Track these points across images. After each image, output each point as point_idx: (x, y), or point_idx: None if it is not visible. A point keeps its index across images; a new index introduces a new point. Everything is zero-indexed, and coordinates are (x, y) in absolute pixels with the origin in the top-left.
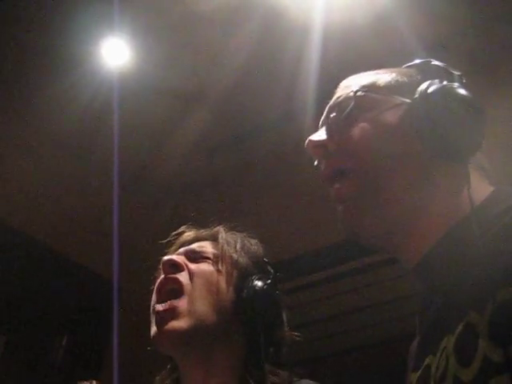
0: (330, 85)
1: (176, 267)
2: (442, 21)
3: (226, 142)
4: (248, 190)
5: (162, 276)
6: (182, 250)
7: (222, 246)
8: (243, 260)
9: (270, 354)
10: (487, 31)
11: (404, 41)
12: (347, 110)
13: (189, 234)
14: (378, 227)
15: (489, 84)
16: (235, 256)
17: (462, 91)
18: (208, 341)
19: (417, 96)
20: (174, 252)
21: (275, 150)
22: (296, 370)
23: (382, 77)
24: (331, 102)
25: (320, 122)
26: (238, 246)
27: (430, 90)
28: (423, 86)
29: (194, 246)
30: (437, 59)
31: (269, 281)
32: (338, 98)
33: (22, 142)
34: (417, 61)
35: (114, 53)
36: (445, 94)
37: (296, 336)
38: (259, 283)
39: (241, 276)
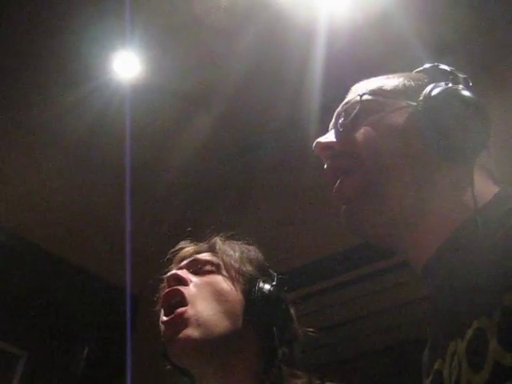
0: (335, 90)
1: (180, 281)
2: (447, 23)
3: (232, 150)
4: (253, 197)
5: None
6: (183, 263)
7: (222, 257)
8: (244, 267)
9: (285, 353)
10: (490, 33)
11: (409, 45)
12: (353, 114)
13: (187, 250)
14: (379, 225)
15: (491, 86)
16: (236, 265)
17: (466, 93)
18: (223, 349)
19: (421, 98)
20: (175, 268)
21: (280, 156)
22: (315, 373)
23: (390, 81)
24: (340, 107)
25: (330, 127)
26: (237, 255)
27: (434, 92)
28: (427, 89)
29: (195, 257)
30: (441, 61)
31: (274, 282)
32: (347, 103)
33: (32, 153)
34: (425, 65)
35: (125, 66)
36: (448, 95)
37: (309, 331)
38: (266, 285)
39: (246, 280)
